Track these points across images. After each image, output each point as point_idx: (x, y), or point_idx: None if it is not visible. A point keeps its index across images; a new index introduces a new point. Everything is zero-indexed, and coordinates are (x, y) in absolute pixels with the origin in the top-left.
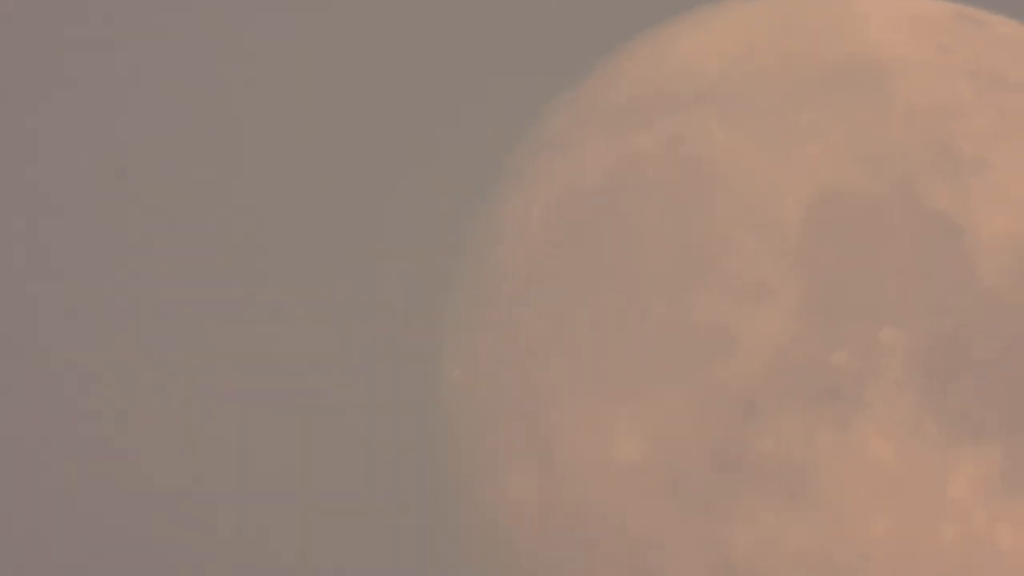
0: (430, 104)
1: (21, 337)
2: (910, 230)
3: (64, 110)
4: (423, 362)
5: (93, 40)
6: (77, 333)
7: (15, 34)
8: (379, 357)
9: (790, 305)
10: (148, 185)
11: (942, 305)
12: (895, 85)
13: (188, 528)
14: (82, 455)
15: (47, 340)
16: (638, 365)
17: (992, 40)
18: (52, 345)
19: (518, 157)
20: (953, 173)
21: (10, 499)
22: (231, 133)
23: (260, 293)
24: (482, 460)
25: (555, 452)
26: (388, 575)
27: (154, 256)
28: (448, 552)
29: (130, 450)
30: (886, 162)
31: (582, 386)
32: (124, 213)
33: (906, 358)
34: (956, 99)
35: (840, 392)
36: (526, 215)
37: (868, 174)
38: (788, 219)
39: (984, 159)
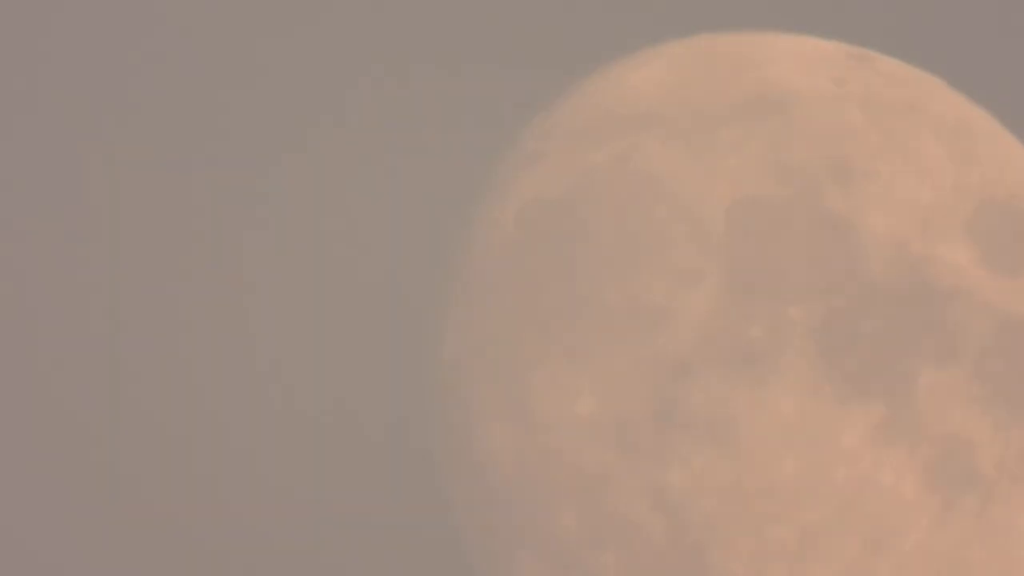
0: (426, 126)
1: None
2: (811, 228)
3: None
4: (422, 340)
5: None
6: (62, 322)
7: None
8: (387, 337)
9: (715, 288)
10: (147, 184)
11: (837, 289)
12: (799, 110)
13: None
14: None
15: (42, 335)
16: (593, 337)
17: (877, 74)
18: (46, 338)
19: (497, 169)
20: (846, 182)
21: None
22: (233, 135)
23: (279, 288)
24: (469, 417)
25: (527, 409)
26: (393, 510)
27: (156, 254)
28: (442, 490)
29: (126, 438)
30: (792, 173)
31: (549, 356)
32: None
33: (807, 332)
34: (848, 122)
35: (755, 359)
36: (503, 217)
37: (777, 182)
38: (713, 219)
39: (872, 171)
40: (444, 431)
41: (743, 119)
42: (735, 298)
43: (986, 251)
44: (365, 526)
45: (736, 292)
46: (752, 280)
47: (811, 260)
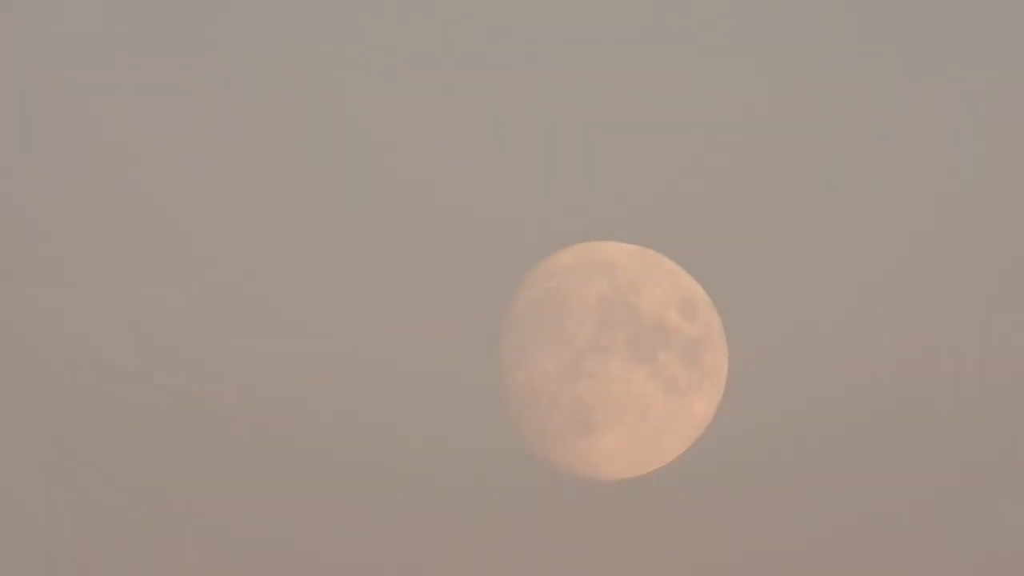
0: (483, 280)
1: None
2: (644, 321)
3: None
4: (496, 374)
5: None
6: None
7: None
8: (483, 375)
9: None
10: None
11: (658, 348)
12: (625, 271)
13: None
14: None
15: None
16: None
17: (655, 265)
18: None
19: (522, 283)
20: (639, 295)
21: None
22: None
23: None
24: (520, 405)
25: (536, 401)
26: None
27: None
28: (495, 437)
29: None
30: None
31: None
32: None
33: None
34: (642, 274)
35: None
36: (519, 306)
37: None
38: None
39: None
40: (507, 410)
41: (602, 273)
42: (626, 358)
43: (704, 324)
44: (468, 442)
45: (621, 353)
46: (628, 347)
47: (648, 334)
